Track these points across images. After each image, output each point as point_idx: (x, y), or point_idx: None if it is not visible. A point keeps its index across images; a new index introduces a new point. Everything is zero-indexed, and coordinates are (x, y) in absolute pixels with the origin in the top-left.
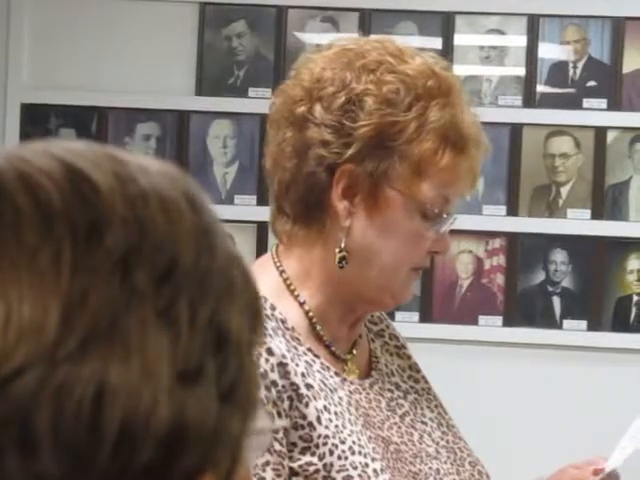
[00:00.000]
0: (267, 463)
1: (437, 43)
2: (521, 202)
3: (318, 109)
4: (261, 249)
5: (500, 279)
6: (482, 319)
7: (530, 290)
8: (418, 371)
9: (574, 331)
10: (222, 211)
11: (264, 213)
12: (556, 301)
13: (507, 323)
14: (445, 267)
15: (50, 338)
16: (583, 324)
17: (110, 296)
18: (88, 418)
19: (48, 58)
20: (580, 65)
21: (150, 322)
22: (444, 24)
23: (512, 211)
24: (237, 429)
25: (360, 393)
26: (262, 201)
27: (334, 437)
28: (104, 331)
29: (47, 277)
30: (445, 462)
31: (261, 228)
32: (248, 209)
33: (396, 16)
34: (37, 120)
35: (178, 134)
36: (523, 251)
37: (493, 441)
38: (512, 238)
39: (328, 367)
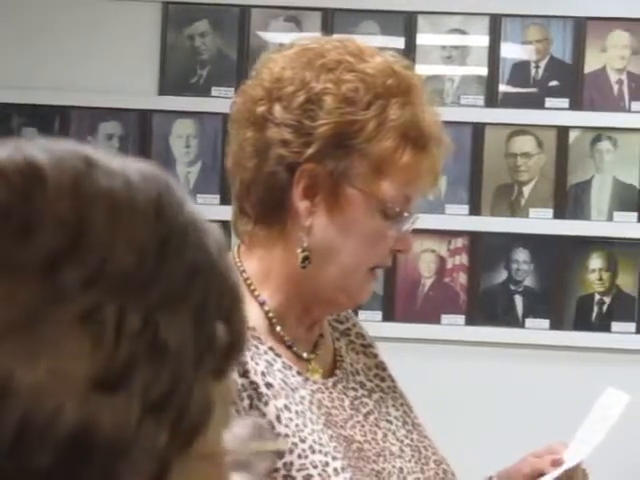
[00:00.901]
0: None
1: (399, 43)
2: (483, 201)
3: (278, 109)
4: None
5: (463, 278)
6: (445, 318)
7: (492, 289)
8: (384, 369)
9: (536, 330)
10: None
11: (227, 212)
12: (518, 300)
13: (470, 322)
14: (408, 266)
15: None
16: (545, 323)
17: (31, 294)
18: None
19: (10, 57)
20: (542, 65)
21: (70, 324)
22: (406, 24)
23: (474, 210)
24: (162, 445)
25: (323, 392)
26: (225, 200)
27: (294, 436)
28: (19, 328)
29: None
30: (409, 461)
31: (224, 227)
32: (211, 208)
33: (359, 16)
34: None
35: (141, 133)
36: (485, 250)
37: (456, 439)
38: (475, 237)
39: (290, 366)
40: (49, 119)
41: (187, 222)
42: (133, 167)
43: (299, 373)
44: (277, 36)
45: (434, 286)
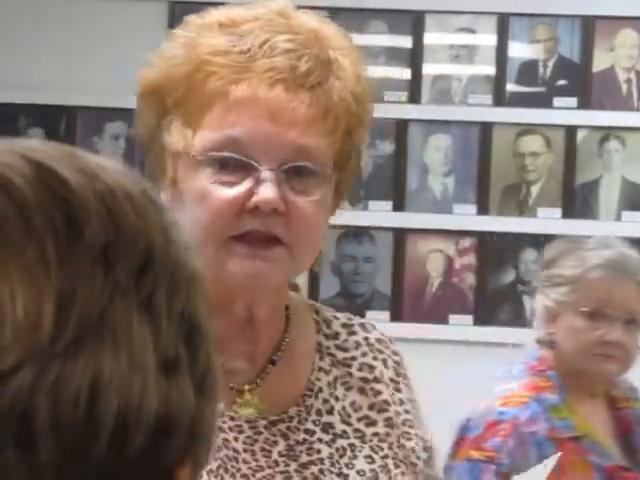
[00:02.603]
0: None
1: (407, 42)
2: (491, 201)
3: None
4: None
5: (470, 278)
6: (452, 318)
7: (501, 289)
8: (383, 411)
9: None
10: None
11: None
12: (526, 300)
13: (477, 322)
14: (415, 266)
15: (45, 334)
16: None
17: (96, 291)
18: (84, 411)
19: (17, 57)
20: (550, 64)
21: (133, 314)
22: (414, 23)
23: (482, 210)
24: (209, 420)
25: (240, 432)
26: None
27: None
28: (94, 326)
29: (36, 274)
30: None
31: None
32: None
33: (366, 15)
34: (6, 119)
35: None
36: (493, 250)
37: None
38: (482, 237)
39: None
40: (56, 119)
41: (170, 222)
42: (108, 162)
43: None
44: None
45: (442, 286)
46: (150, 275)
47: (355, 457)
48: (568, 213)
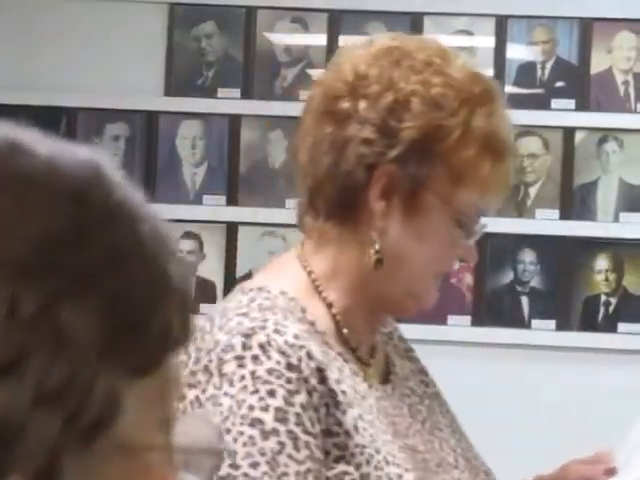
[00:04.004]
0: (309, 470)
1: None
2: None
3: (363, 106)
4: (230, 249)
5: (469, 279)
6: (451, 319)
7: (499, 290)
8: (427, 374)
9: (542, 331)
10: (191, 211)
11: (233, 213)
12: (524, 301)
13: (476, 323)
14: None
15: None
16: (551, 324)
17: None
18: None
19: (17, 58)
20: (548, 66)
21: None
22: (412, 25)
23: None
24: (54, 435)
25: (385, 400)
26: (231, 201)
27: (370, 447)
28: None
29: None
30: (464, 471)
31: (230, 228)
32: (217, 209)
33: (365, 17)
34: (5, 120)
35: (147, 135)
36: (492, 251)
37: None
38: (481, 238)
39: (356, 372)
40: (55, 120)
41: (114, 209)
42: (67, 152)
43: (364, 380)
44: (283, 37)
45: (440, 287)
46: None
47: (437, 414)
48: (566, 214)
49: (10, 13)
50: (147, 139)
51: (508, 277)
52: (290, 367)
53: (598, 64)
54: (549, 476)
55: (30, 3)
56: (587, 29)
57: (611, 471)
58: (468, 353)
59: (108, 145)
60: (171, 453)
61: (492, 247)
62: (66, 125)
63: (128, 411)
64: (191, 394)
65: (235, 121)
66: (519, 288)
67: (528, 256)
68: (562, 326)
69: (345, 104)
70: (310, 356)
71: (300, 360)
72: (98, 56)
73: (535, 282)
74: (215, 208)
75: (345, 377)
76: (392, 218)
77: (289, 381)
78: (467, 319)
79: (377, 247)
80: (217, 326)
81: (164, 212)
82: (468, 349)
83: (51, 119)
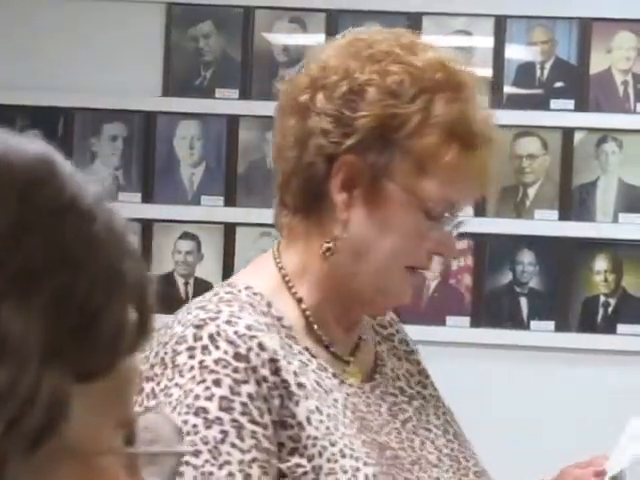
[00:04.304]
0: (254, 460)
1: None
2: (488, 203)
3: (320, 97)
4: (228, 250)
5: (468, 280)
6: (450, 320)
7: (497, 291)
8: (427, 377)
9: (541, 332)
10: (189, 212)
11: (231, 214)
12: (523, 302)
13: (475, 324)
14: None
15: None
16: (550, 325)
17: None
18: None
19: (14, 58)
20: (547, 66)
21: None
22: (411, 25)
23: (479, 212)
24: None
25: (359, 397)
26: (229, 202)
27: (324, 439)
28: None
29: None
30: (447, 471)
31: (228, 229)
32: (215, 210)
33: (363, 17)
34: (2, 121)
35: (145, 135)
36: (490, 252)
37: None
38: (479, 239)
39: (326, 368)
40: (53, 121)
41: (65, 206)
42: (19, 147)
43: (335, 375)
44: (281, 37)
45: (439, 288)
46: None
47: (428, 414)
48: (565, 215)
49: (7, 13)
50: (145, 139)
51: (507, 278)
52: (238, 357)
53: (597, 64)
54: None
55: (28, 3)
56: (586, 29)
57: (601, 473)
58: (467, 354)
59: (106, 145)
60: (129, 455)
61: (491, 248)
62: (63, 125)
63: (78, 415)
64: (148, 387)
65: (233, 121)
66: (518, 289)
67: (527, 257)
68: (561, 327)
69: (305, 96)
70: (262, 347)
71: (249, 350)
72: (96, 56)
73: (534, 283)
74: (213, 209)
75: (309, 371)
76: (355, 209)
77: (236, 370)
78: (466, 320)
79: (334, 236)
80: (177, 320)
81: (162, 212)
82: (467, 350)
83: (48, 119)
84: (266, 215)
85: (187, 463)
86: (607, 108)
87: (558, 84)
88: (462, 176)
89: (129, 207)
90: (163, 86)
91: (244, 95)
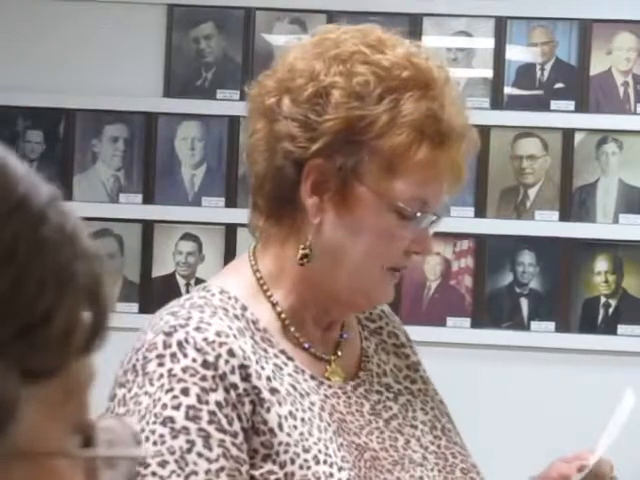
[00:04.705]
0: (221, 469)
1: None
2: (489, 204)
3: (286, 102)
4: (229, 251)
5: (468, 281)
6: (450, 320)
7: (498, 292)
8: (416, 370)
9: (542, 332)
10: (190, 213)
11: (232, 215)
12: (524, 303)
13: (475, 325)
14: (413, 269)
15: None
16: (551, 325)
17: None
18: None
19: (16, 59)
20: (547, 67)
21: None
22: (411, 26)
23: (480, 213)
24: None
25: (339, 397)
26: (230, 203)
27: (296, 445)
28: None
29: None
30: (432, 469)
31: (229, 230)
32: (216, 211)
33: (363, 18)
34: (4, 122)
35: (146, 136)
36: (491, 253)
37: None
38: (480, 240)
39: (303, 370)
40: (54, 122)
41: (14, 206)
42: None
43: (312, 377)
44: (282, 38)
45: (439, 289)
46: None
47: (415, 410)
48: (565, 216)
49: (7, 15)
50: (146, 140)
51: (507, 279)
52: (206, 365)
53: (597, 65)
54: (540, 474)
55: (29, 3)
56: (586, 30)
57: (584, 467)
58: (467, 355)
59: (107, 146)
60: (86, 458)
61: (491, 249)
62: (65, 126)
63: (27, 416)
64: (120, 393)
65: (234, 122)
66: (518, 290)
67: (527, 258)
68: (561, 328)
69: (272, 100)
70: (232, 353)
71: (218, 357)
72: (97, 57)
73: (534, 284)
74: (214, 210)
75: (284, 374)
76: (326, 213)
77: (204, 379)
78: (466, 321)
79: (307, 243)
80: (149, 325)
81: (163, 213)
82: (467, 351)
83: (50, 120)
84: None
85: (154, 474)
86: (607, 109)
87: (558, 85)
88: (433, 174)
89: (130, 208)
90: (164, 87)
91: (245, 96)
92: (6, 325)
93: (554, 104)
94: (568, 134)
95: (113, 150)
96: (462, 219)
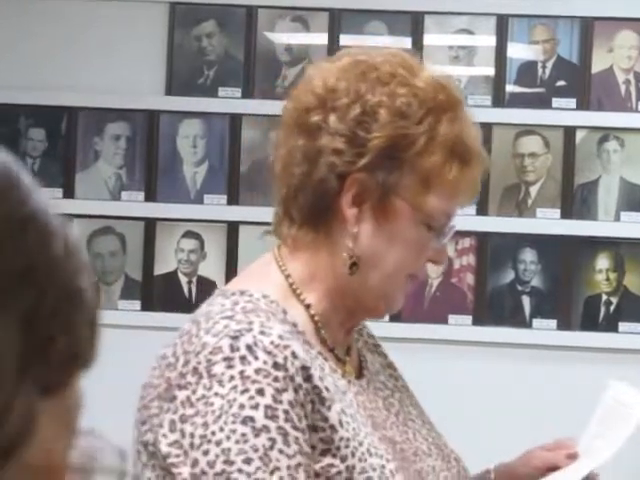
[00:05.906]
0: (299, 464)
1: (407, 43)
2: (490, 202)
3: (332, 119)
4: (231, 249)
5: (470, 278)
6: (452, 318)
7: (500, 289)
8: (395, 369)
9: (543, 330)
10: (192, 211)
11: (234, 213)
12: (525, 300)
13: (477, 322)
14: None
15: None
16: (552, 323)
17: None
18: None
19: (18, 57)
20: (549, 65)
21: None
22: (413, 24)
23: (482, 211)
24: None
25: (362, 395)
26: (232, 201)
27: (354, 439)
28: None
29: None
30: (436, 459)
31: (231, 228)
32: (218, 209)
33: (366, 16)
34: (6, 120)
35: (148, 134)
36: (492, 250)
37: (462, 438)
38: (482, 237)
39: (335, 370)
40: (56, 120)
41: (25, 220)
42: None
43: (343, 376)
44: (284, 37)
45: (441, 286)
46: None
47: (407, 406)
48: (567, 213)
49: (10, 14)
50: (148, 138)
51: (509, 276)
52: (277, 366)
53: (599, 63)
54: (512, 462)
55: (30, 3)
56: (588, 28)
57: (573, 456)
58: (469, 353)
59: (109, 144)
60: (79, 471)
61: (493, 246)
62: (67, 124)
63: (42, 430)
64: (182, 395)
65: (236, 120)
66: (520, 287)
67: (529, 255)
68: (563, 325)
69: (316, 117)
70: (295, 355)
71: (286, 359)
72: (99, 55)
73: (536, 281)
74: (216, 207)
75: (326, 374)
76: (364, 224)
77: (276, 379)
78: (468, 319)
79: (351, 252)
80: (203, 329)
81: (165, 211)
82: (469, 348)
83: (52, 118)
84: (269, 214)
85: (240, 471)
86: (609, 107)
87: (560, 83)
88: (460, 190)
89: (132, 206)
90: (166, 85)
91: (247, 94)
92: (29, 340)
93: (555, 102)
94: (570, 132)
95: (115, 148)
96: (464, 217)
